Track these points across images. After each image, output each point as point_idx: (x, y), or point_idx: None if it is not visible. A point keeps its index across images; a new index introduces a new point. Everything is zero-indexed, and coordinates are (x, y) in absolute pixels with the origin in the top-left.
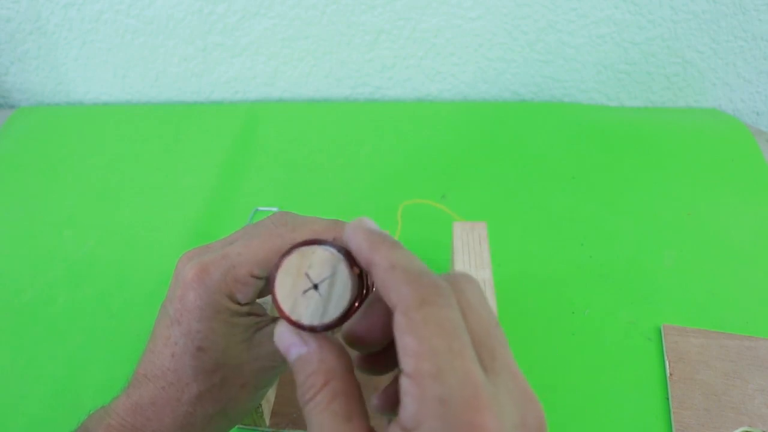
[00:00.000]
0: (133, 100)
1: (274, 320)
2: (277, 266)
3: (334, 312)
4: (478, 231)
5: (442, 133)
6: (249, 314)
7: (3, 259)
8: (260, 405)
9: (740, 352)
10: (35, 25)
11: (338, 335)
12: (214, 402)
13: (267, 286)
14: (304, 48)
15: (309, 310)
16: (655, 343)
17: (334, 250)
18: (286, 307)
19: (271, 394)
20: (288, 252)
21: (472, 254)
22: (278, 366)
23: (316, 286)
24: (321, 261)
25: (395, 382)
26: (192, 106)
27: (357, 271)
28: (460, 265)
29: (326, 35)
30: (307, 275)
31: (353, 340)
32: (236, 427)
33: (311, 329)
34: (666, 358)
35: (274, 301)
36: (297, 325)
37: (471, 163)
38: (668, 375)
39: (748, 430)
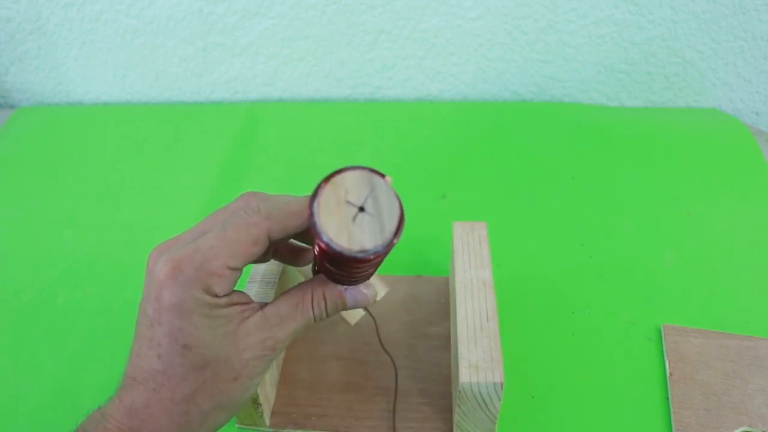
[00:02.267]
0: (133, 100)
1: (262, 308)
2: (312, 213)
3: (390, 223)
4: (478, 231)
5: (442, 133)
6: (231, 305)
7: (3, 259)
8: (260, 405)
9: (740, 352)
10: (35, 25)
11: None
12: (208, 398)
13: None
14: (304, 48)
15: (366, 233)
16: (655, 343)
17: (359, 169)
18: (343, 243)
19: (271, 393)
20: (317, 192)
21: (472, 254)
22: (269, 354)
23: (362, 209)
24: (354, 182)
25: None
26: (192, 106)
27: (389, 179)
28: (460, 265)
29: (326, 35)
30: (348, 202)
31: None
32: (236, 426)
33: (376, 255)
34: (666, 358)
35: (325, 248)
36: (362, 260)
37: (471, 163)
38: (668, 375)
39: (748, 430)
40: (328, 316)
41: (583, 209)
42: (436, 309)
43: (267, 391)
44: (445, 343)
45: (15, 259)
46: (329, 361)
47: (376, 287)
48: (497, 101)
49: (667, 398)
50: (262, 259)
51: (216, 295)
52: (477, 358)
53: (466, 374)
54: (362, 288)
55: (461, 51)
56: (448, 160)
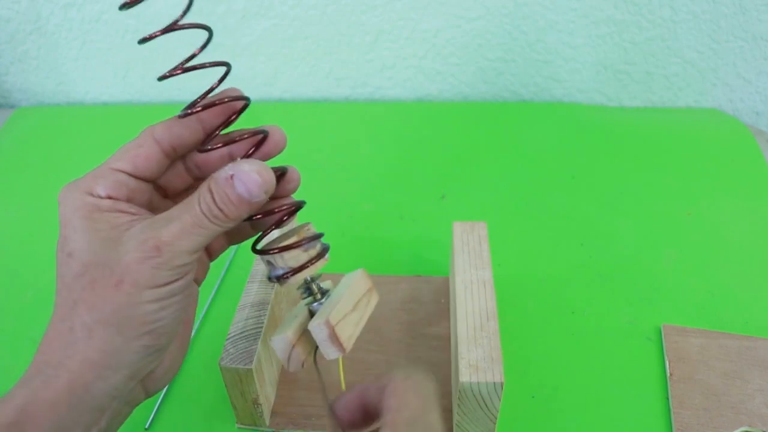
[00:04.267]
0: (133, 100)
1: (155, 215)
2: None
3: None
4: (478, 231)
5: (442, 133)
6: (115, 210)
7: (3, 259)
8: (260, 405)
9: (740, 352)
10: (35, 25)
11: None
12: (89, 308)
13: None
14: (304, 48)
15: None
16: (655, 343)
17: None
18: None
19: (270, 394)
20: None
21: (472, 254)
22: (153, 257)
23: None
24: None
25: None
26: None
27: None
28: (460, 265)
29: (326, 35)
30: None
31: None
32: (236, 426)
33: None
34: (666, 358)
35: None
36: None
37: (471, 163)
38: (668, 375)
39: (748, 430)
40: (224, 214)
41: (583, 209)
42: (436, 309)
43: (267, 391)
44: (445, 343)
45: (15, 258)
46: (329, 362)
47: (371, 293)
48: (497, 101)
49: (667, 398)
50: (176, 175)
51: (98, 196)
52: (477, 358)
53: (466, 374)
54: (246, 167)
55: (461, 51)
56: (448, 160)
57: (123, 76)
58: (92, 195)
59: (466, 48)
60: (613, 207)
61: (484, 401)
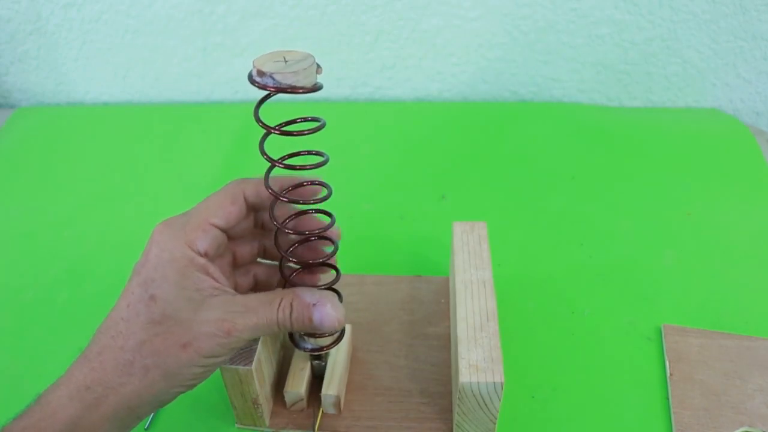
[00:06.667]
0: (133, 100)
1: (234, 295)
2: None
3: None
4: (478, 231)
5: (442, 133)
6: (206, 273)
7: (3, 259)
8: (260, 405)
9: (740, 352)
10: (35, 25)
11: None
12: (153, 353)
13: (228, 240)
14: (304, 48)
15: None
16: (655, 343)
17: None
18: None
19: (270, 394)
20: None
21: (472, 254)
22: (221, 338)
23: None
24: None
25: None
26: (192, 106)
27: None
28: (460, 264)
29: (326, 35)
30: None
31: None
32: (236, 427)
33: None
34: (666, 358)
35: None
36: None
37: (471, 163)
38: (668, 375)
39: (748, 430)
40: (292, 327)
41: (583, 209)
42: (436, 309)
43: (267, 391)
44: (445, 343)
45: (15, 258)
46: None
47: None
48: (497, 101)
49: (667, 398)
50: (245, 226)
51: (198, 252)
52: (477, 358)
53: (466, 374)
54: (330, 309)
55: (461, 51)
56: (448, 160)
57: (123, 76)
58: (191, 249)
59: (466, 48)
60: (613, 207)
61: (483, 401)
